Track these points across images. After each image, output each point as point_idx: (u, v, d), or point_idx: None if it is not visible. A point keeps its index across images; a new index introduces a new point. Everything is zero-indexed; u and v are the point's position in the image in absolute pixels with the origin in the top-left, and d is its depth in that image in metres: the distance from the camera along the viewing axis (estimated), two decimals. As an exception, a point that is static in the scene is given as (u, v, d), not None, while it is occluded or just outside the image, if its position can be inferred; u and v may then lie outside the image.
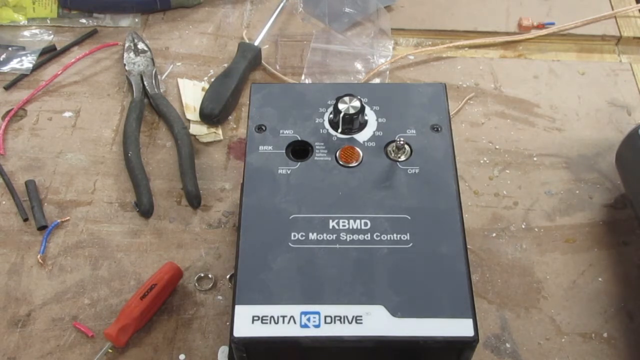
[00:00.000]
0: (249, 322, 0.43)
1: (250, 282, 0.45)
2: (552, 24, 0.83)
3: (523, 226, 0.66)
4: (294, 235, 0.47)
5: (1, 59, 0.79)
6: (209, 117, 0.72)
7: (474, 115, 0.75)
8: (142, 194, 0.66)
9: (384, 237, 0.47)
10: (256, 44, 0.79)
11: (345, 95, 0.52)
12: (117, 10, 0.84)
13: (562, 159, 0.71)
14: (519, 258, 0.64)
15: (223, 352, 0.57)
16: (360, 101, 0.52)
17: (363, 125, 0.53)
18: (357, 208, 0.49)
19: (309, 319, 0.44)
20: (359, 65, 0.79)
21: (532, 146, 0.72)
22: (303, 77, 0.78)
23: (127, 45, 0.79)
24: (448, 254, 0.46)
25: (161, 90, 0.76)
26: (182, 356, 0.58)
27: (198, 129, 0.73)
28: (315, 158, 0.51)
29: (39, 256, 0.63)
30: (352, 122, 0.52)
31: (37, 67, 0.79)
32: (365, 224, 0.48)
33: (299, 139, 0.53)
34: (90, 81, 0.78)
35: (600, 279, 0.63)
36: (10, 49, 0.80)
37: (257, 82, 0.78)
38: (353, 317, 0.44)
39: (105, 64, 0.80)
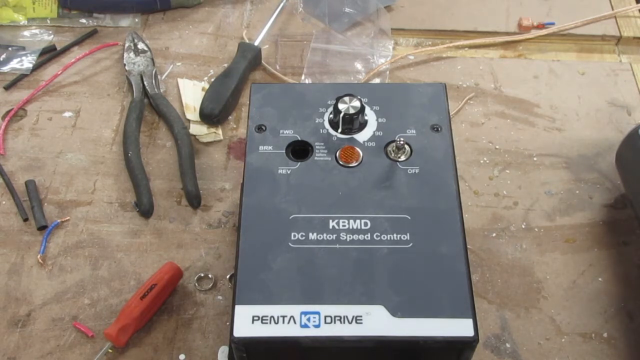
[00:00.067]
0: (249, 322, 0.43)
1: (250, 282, 0.45)
2: (552, 24, 0.83)
3: (523, 226, 0.66)
4: (294, 235, 0.47)
5: (1, 59, 0.79)
6: (209, 117, 0.72)
7: (474, 115, 0.75)
8: (142, 194, 0.66)
9: (384, 237, 0.47)
10: (256, 44, 0.79)
11: (345, 95, 0.52)
12: (117, 10, 0.84)
13: (562, 159, 0.71)
14: (519, 258, 0.64)
15: (223, 352, 0.57)
16: (360, 101, 0.52)
17: (363, 125, 0.53)
18: (357, 208, 0.49)
19: (309, 319, 0.44)
20: (359, 65, 0.79)
21: (532, 146, 0.72)
22: (303, 77, 0.78)
23: (127, 45, 0.79)
24: (448, 254, 0.46)
25: (161, 90, 0.76)
26: (182, 356, 0.58)
27: (198, 129, 0.73)
28: (315, 158, 0.51)
29: (39, 256, 0.63)
30: (352, 122, 0.52)
31: (37, 67, 0.79)
32: (365, 224, 0.48)
33: (299, 139, 0.53)
34: (90, 81, 0.78)
35: (600, 279, 0.63)
36: (10, 49, 0.80)
37: (257, 82, 0.78)
38: (353, 317, 0.44)
39: (105, 64, 0.80)
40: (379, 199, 0.49)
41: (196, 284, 0.62)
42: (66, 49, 0.81)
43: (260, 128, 0.53)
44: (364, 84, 0.75)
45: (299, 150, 0.52)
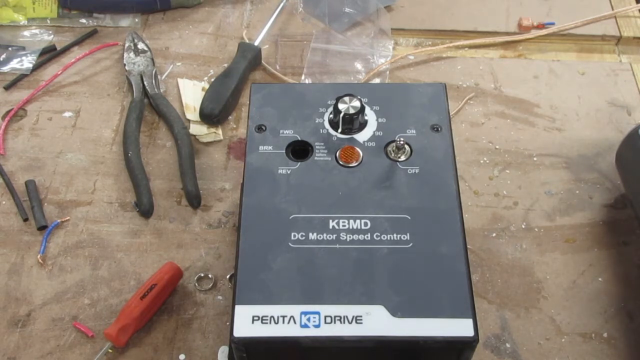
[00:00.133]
0: (249, 322, 0.43)
1: (250, 282, 0.45)
2: (552, 24, 0.83)
3: (523, 226, 0.66)
4: (294, 235, 0.47)
5: (1, 59, 0.79)
6: (209, 117, 0.72)
7: (474, 115, 0.75)
8: (142, 194, 0.66)
9: (384, 237, 0.47)
10: (256, 44, 0.79)
11: (345, 95, 0.52)
12: (117, 10, 0.84)
13: (562, 159, 0.71)
14: (519, 258, 0.64)
15: (223, 352, 0.57)
16: (360, 101, 0.52)
17: (363, 125, 0.53)
18: (357, 208, 0.49)
19: (309, 319, 0.44)
20: (359, 65, 0.79)
21: (532, 146, 0.72)
22: (303, 77, 0.78)
23: (127, 45, 0.79)
24: (448, 254, 0.46)
25: (161, 90, 0.76)
26: (182, 356, 0.58)
27: (198, 129, 0.73)
28: (315, 158, 0.51)
29: (39, 256, 0.63)
30: (352, 122, 0.52)
31: (37, 67, 0.79)
32: (365, 224, 0.48)
33: (299, 139, 0.53)
34: (90, 81, 0.78)
35: (600, 279, 0.63)
36: (10, 49, 0.80)
37: (257, 82, 0.78)
38: (353, 317, 0.44)
39: (105, 64, 0.80)
40: (379, 199, 0.49)
41: (196, 284, 0.62)
42: (66, 49, 0.81)
43: (260, 128, 0.53)
44: (364, 84, 0.75)
45: (299, 150, 0.52)
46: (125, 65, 0.77)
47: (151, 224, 0.66)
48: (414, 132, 0.53)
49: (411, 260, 0.46)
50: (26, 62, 0.79)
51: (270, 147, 0.52)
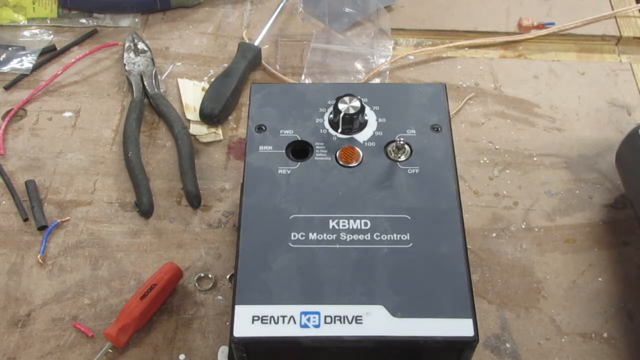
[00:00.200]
0: (249, 322, 0.43)
1: (250, 282, 0.45)
2: (552, 24, 0.83)
3: (523, 226, 0.66)
4: (294, 235, 0.47)
5: (1, 59, 0.79)
6: (209, 117, 0.72)
7: (474, 115, 0.75)
8: (142, 194, 0.66)
9: (384, 237, 0.47)
10: (256, 44, 0.79)
11: (345, 95, 0.52)
12: (117, 10, 0.84)
13: (562, 159, 0.71)
14: (519, 258, 0.64)
15: (223, 352, 0.57)
16: (360, 101, 0.52)
17: (363, 125, 0.53)
18: (357, 208, 0.49)
19: (309, 319, 0.44)
20: (359, 65, 0.79)
21: (532, 146, 0.72)
22: (303, 77, 0.78)
23: (127, 45, 0.79)
24: (448, 254, 0.46)
25: (161, 90, 0.76)
26: (182, 356, 0.58)
27: (198, 129, 0.73)
28: (315, 158, 0.51)
29: (39, 256, 0.63)
30: (352, 122, 0.52)
31: (37, 67, 0.79)
32: (365, 224, 0.48)
33: (299, 139, 0.53)
34: (90, 81, 0.78)
35: (600, 279, 0.63)
36: (10, 49, 0.80)
37: (257, 82, 0.78)
38: (353, 317, 0.44)
39: (105, 64, 0.80)
40: (379, 199, 0.49)
41: (196, 284, 0.62)
42: (66, 49, 0.81)
43: (260, 128, 0.53)
44: (364, 84, 0.75)
45: (299, 150, 0.52)
46: (125, 65, 0.77)
47: (151, 224, 0.66)
48: (414, 132, 0.53)
49: (411, 260, 0.46)
50: (26, 62, 0.79)
51: (270, 147, 0.52)
